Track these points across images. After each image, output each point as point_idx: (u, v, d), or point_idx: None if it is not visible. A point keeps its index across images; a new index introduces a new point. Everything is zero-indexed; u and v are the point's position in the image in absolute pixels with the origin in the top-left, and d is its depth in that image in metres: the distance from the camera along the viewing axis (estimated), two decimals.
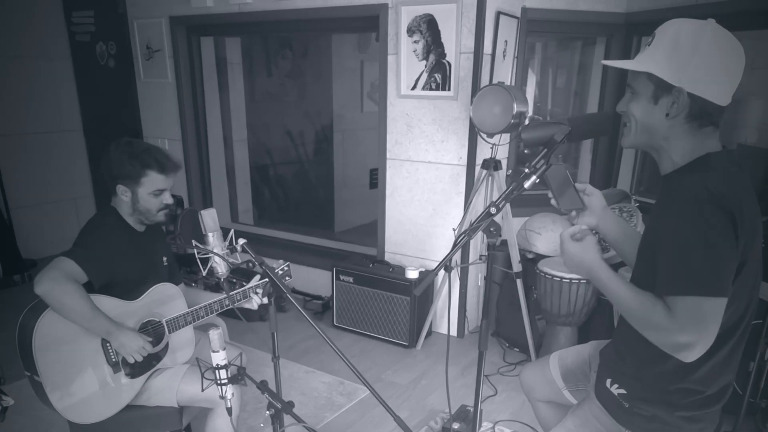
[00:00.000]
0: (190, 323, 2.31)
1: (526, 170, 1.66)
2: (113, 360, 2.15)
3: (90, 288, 2.13)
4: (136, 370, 2.20)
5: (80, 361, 2.10)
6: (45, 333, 2.02)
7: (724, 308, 1.36)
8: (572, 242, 1.65)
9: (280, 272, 2.44)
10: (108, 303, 2.14)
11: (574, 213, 1.83)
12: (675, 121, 1.48)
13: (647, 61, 1.48)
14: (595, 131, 1.83)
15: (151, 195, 2.27)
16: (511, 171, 4.09)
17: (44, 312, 2.03)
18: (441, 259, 1.80)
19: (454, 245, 1.79)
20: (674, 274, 1.39)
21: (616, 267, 3.52)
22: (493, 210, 1.70)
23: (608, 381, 1.70)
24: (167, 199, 2.32)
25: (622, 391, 1.66)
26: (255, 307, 2.41)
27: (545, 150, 1.65)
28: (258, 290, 2.40)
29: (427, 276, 1.81)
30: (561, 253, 1.69)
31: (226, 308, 2.35)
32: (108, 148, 2.27)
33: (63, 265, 2.07)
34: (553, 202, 1.80)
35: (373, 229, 4.40)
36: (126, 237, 2.30)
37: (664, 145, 1.53)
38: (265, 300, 2.34)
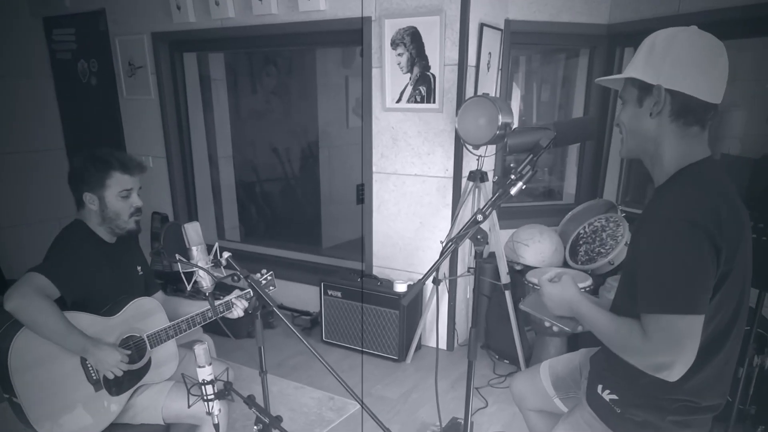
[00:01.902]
0: (172, 337, 2.27)
1: (512, 176, 1.65)
2: (94, 378, 2.10)
3: (64, 304, 2.08)
4: (119, 387, 2.15)
5: (60, 380, 2.04)
6: (21, 354, 1.97)
7: (701, 325, 1.37)
8: (551, 284, 1.74)
9: (264, 282, 2.40)
10: (85, 320, 2.09)
11: (580, 328, 1.83)
12: (661, 121, 1.50)
13: (630, 69, 1.54)
14: (581, 136, 1.83)
15: (118, 197, 2.23)
16: (497, 178, 4.09)
17: (19, 332, 1.97)
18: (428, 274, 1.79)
19: (442, 253, 1.77)
20: (647, 293, 1.41)
21: (604, 276, 3.57)
22: (479, 217, 1.68)
23: (600, 387, 1.69)
24: (136, 201, 2.29)
25: (614, 396, 1.65)
26: (235, 316, 2.34)
27: (531, 156, 1.64)
28: (242, 300, 2.35)
29: (415, 285, 1.80)
30: (542, 296, 1.77)
31: (209, 320, 2.31)
32: (72, 161, 2.26)
33: (34, 280, 2.02)
34: (555, 328, 1.97)
35: (360, 245, 4.38)
36: (97, 250, 2.26)
37: (655, 150, 1.54)
38: (246, 305, 2.31)
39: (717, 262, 1.38)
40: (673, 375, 1.38)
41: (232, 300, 2.33)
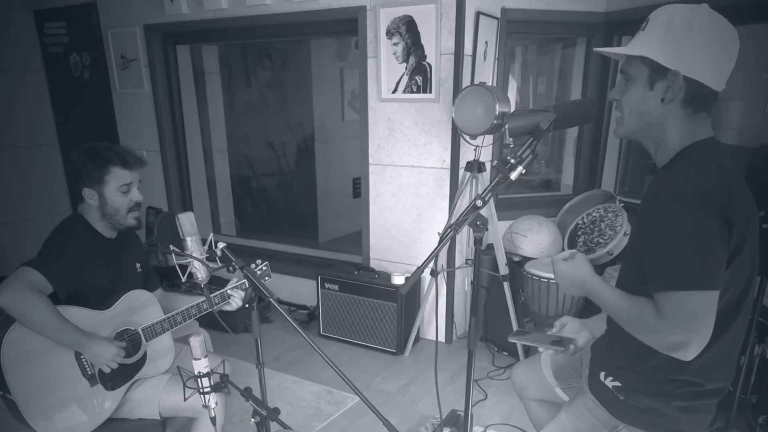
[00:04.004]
0: (168, 330, 2.24)
1: (512, 161, 1.62)
2: (89, 372, 2.07)
3: (57, 299, 2.04)
4: (114, 381, 2.12)
5: (54, 376, 2.01)
6: (13, 349, 1.93)
7: (716, 301, 1.33)
8: (563, 262, 1.67)
9: (259, 272, 2.36)
10: (78, 314, 2.05)
11: (572, 347, 1.85)
12: (670, 107, 1.45)
13: (641, 45, 1.45)
14: (581, 117, 1.80)
15: (118, 192, 2.19)
16: (496, 162, 4.04)
17: (11, 327, 1.93)
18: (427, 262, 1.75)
19: (441, 240, 1.73)
20: (659, 270, 1.37)
21: (603, 266, 3.54)
22: (479, 203, 1.65)
23: (602, 374, 1.66)
24: (136, 196, 2.25)
25: (617, 383, 1.62)
26: (234, 307, 2.31)
27: (531, 139, 1.60)
28: (239, 291, 2.31)
29: (414, 273, 1.76)
30: (555, 275, 1.70)
31: (205, 312, 2.28)
32: (70, 155, 2.23)
33: (26, 275, 1.98)
34: (551, 352, 2.03)
35: (357, 239, 4.34)
36: (94, 244, 2.22)
37: (660, 133, 1.50)
38: (243, 295, 2.27)
39: (729, 236, 1.34)
40: (689, 354, 1.34)
41: (228, 291, 2.30)
